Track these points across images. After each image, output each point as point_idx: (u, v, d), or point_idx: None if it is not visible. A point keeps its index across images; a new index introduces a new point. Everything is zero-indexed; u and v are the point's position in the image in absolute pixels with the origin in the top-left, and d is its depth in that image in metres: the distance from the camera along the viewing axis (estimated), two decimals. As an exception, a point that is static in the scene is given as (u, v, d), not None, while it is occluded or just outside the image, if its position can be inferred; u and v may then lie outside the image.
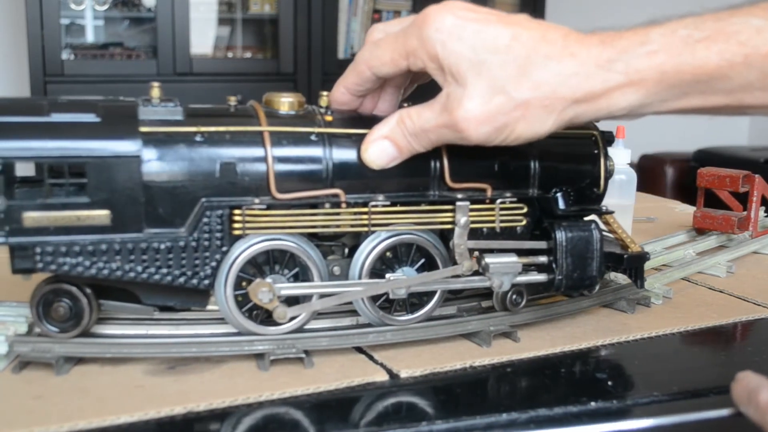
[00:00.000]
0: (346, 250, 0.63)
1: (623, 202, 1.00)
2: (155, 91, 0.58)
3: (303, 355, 0.59)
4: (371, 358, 0.61)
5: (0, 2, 3.00)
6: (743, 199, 1.01)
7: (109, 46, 2.89)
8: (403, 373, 0.59)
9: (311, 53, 2.99)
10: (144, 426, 0.50)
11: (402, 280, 0.62)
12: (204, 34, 2.98)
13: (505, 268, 0.64)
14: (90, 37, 2.93)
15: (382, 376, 0.58)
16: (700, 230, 1.02)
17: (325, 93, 0.63)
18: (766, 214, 1.11)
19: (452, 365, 0.61)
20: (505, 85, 0.54)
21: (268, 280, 0.59)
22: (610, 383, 0.59)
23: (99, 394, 0.54)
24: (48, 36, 2.68)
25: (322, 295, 0.61)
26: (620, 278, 0.78)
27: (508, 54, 0.53)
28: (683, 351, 0.68)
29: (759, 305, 0.78)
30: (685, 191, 3.21)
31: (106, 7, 2.87)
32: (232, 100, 0.60)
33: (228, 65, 2.99)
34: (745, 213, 1.00)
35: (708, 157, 3.31)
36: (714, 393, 0.58)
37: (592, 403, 0.55)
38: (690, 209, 1.24)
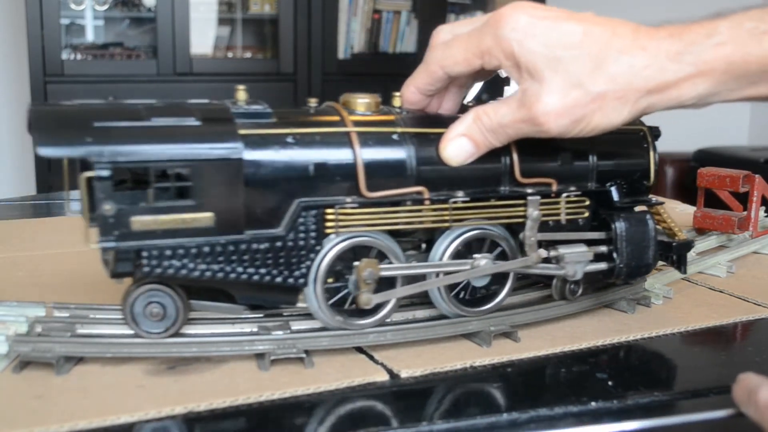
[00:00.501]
0: (423, 246, 0.65)
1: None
2: (241, 94, 0.59)
3: (303, 355, 0.59)
4: (372, 358, 0.61)
5: (0, 2, 2.99)
6: (743, 199, 1.01)
7: (109, 46, 2.89)
8: (404, 373, 0.59)
9: (311, 53, 2.99)
10: (145, 426, 0.50)
11: (488, 266, 0.64)
12: (204, 34, 2.98)
13: (578, 258, 0.67)
14: (90, 37, 2.93)
15: (382, 376, 0.58)
16: (700, 230, 1.02)
17: (397, 93, 0.65)
18: (766, 214, 1.11)
19: (453, 365, 0.61)
20: (581, 79, 0.56)
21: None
22: (610, 383, 0.59)
23: (100, 394, 0.54)
24: (48, 36, 2.68)
25: (407, 278, 0.63)
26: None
27: (582, 49, 0.56)
28: (683, 351, 0.68)
29: (759, 305, 0.78)
30: (685, 191, 3.21)
31: (106, 7, 2.87)
32: (312, 102, 0.62)
33: (228, 65, 2.99)
34: (745, 213, 1.00)
35: (708, 157, 3.31)
36: (714, 393, 0.58)
37: (593, 403, 0.55)
38: (690, 209, 1.24)
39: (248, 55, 3.08)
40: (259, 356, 0.59)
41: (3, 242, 0.96)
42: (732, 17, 0.56)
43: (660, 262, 0.75)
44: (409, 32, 3.20)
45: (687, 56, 0.56)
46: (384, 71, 3.11)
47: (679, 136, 3.47)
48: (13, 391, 0.54)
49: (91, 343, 0.57)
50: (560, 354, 0.64)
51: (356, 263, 0.60)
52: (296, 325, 0.62)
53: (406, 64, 3.18)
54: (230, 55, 3.05)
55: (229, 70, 2.94)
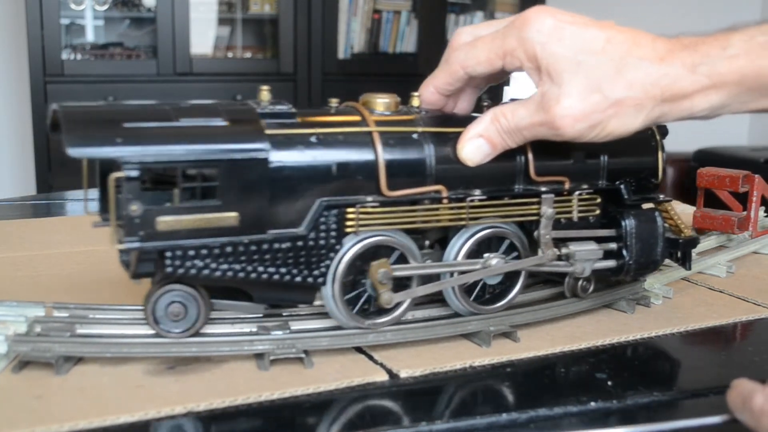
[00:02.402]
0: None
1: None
2: (264, 94, 0.59)
3: (303, 355, 0.59)
4: (371, 358, 0.61)
5: (0, 3, 2.99)
6: (743, 199, 1.01)
7: (109, 46, 2.89)
8: (403, 373, 0.59)
9: (311, 53, 2.99)
10: (144, 426, 0.50)
11: (503, 265, 0.65)
12: (204, 34, 2.98)
13: (587, 255, 0.68)
14: (90, 37, 2.93)
15: (381, 376, 0.58)
16: (700, 230, 1.02)
17: (416, 93, 0.65)
18: (766, 214, 1.11)
19: (452, 365, 0.61)
20: (601, 84, 0.57)
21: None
22: (609, 383, 0.59)
23: (99, 394, 0.54)
24: (48, 36, 2.68)
25: (424, 277, 0.63)
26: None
27: (604, 55, 0.57)
28: (683, 351, 0.68)
29: (759, 305, 0.78)
30: (685, 191, 3.21)
31: (106, 7, 2.87)
32: (334, 102, 0.63)
33: (228, 65, 2.99)
34: (745, 213, 1.00)
35: (708, 157, 3.31)
36: (714, 393, 0.58)
37: (592, 403, 0.56)
38: (690, 209, 1.24)
39: (248, 55, 3.08)
40: (259, 356, 0.59)
41: (3, 242, 0.96)
42: (746, 30, 0.57)
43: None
44: (409, 32, 3.20)
45: (702, 68, 0.57)
46: (384, 71, 3.11)
47: (679, 136, 3.45)
48: (13, 391, 0.54)
49: (90, 343, 0.57)
50: (560, 354, 0.64)
51: (373, 263, 0.60)
52: (296, 325, 0.62)
53: (406, 64, 3.20)
54: (230, 55, 3.05)
55: (229, 70, 2.94)
